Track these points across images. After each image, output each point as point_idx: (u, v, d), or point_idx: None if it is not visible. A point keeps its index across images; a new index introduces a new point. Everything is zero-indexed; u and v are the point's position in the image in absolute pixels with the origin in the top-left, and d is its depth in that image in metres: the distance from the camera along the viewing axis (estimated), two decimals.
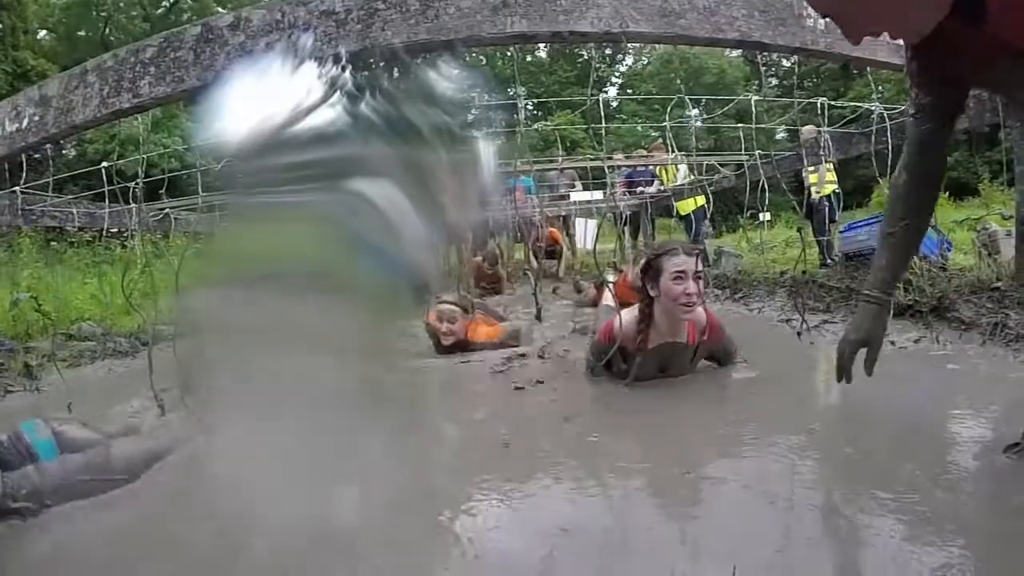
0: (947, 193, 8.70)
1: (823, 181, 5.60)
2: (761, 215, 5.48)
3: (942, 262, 3.19)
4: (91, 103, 1.29)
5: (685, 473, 1.41)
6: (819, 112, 3.81)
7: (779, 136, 12.85)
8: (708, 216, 6.81)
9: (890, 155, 3.12)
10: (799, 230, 2.97)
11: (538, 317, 3.70)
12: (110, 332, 3.90)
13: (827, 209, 5.31)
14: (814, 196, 5.26)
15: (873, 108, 3.46)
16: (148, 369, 1.94)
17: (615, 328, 2.16)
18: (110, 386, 2.98)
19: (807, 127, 5.37)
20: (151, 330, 2.14)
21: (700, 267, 2.03)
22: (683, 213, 6.63)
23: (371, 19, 1.32)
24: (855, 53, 1.89)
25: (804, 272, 3.56)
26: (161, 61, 1.29)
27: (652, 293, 2.08)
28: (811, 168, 4.74)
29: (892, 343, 2.59)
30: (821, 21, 1.83)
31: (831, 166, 5.28)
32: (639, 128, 19.91)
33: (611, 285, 3.14)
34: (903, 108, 3.33)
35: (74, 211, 4.47)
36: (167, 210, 4.69)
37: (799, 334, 2.77)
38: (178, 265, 2.20)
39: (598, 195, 7.55)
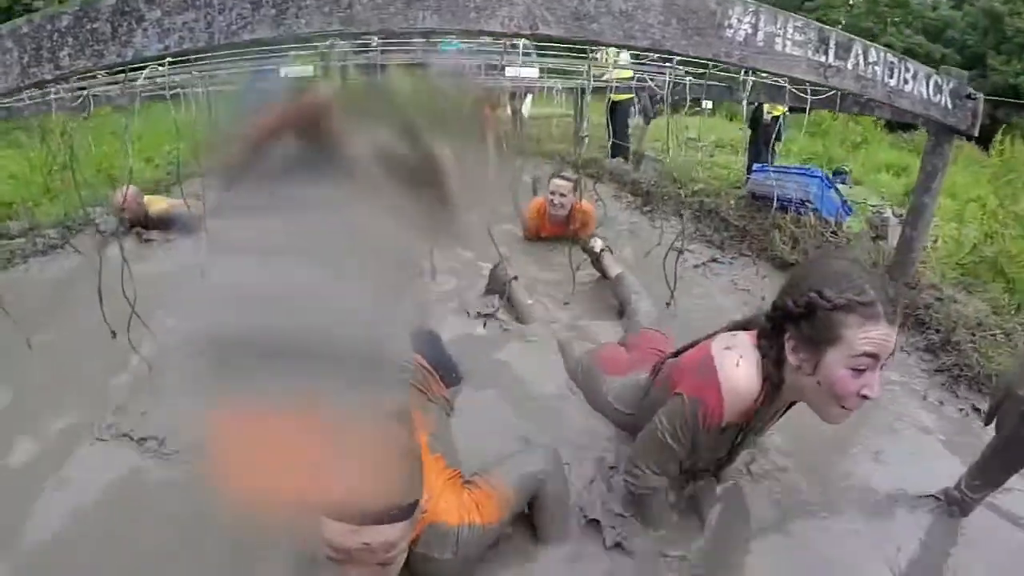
0: (884, 125, 8.79)
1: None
2: (704, 102, 5.42)
3: (834, 227, 3.42)
4: (12, 72, 1.31)
5: None
6: None
7: None
8: (646, 102, 6.24)
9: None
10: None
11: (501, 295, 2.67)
12: (37, 227, 3.81)
13: (777, 128, 5.37)
14: (766, 115, 5.23)
15: None
16: (98, 293, 2.01)
17: (725, 401, 1.30)
18: (49, 292, 3.01)
19: None
20: (100, 254, 2.10)
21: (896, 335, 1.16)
22: (616, 100, 5.82)
23: (286, 4, 1.37)
24: (769, 67, 1.96)
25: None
26: (79, 32, 1.31)
27: (797, 362, 1.24)
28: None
29: (763, 299, 2.90)
30: (740, 32, 1.86)
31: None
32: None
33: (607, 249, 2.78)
34: None
35: None
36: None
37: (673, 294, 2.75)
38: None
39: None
